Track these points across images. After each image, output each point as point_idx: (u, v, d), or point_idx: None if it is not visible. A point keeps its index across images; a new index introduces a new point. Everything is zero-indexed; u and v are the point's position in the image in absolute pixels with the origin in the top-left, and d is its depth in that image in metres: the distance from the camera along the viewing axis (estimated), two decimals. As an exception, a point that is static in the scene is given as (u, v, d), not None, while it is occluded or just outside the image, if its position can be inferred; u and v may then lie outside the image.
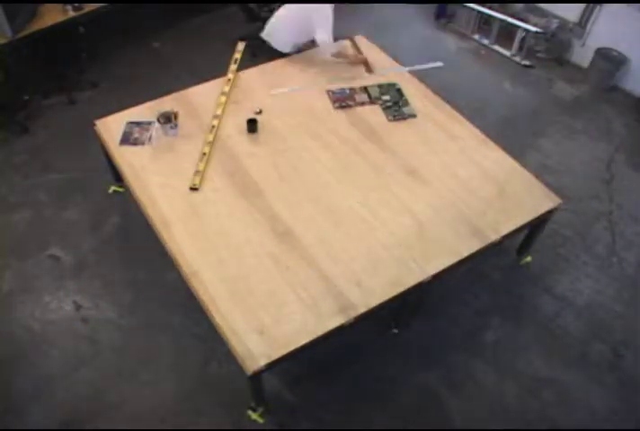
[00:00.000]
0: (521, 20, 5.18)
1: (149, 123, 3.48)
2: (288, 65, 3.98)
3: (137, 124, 3.50)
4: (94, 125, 3.54)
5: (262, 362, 2.53)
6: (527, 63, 5.21)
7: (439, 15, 5.66)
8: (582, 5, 4.87)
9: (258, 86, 3.80)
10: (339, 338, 2.79)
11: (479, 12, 5.32)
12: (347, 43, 4.13)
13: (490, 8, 5.28)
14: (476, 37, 5.48)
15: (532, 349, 3.32)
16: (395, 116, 3.64)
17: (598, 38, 4.90)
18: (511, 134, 4.37)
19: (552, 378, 3.21)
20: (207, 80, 3.82)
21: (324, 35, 3.75)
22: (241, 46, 4.07)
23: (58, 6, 4.31)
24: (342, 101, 3.72)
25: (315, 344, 2.65)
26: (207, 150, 3.35)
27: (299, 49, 4.06)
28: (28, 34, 4.14)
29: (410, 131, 3.56)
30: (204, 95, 3.69)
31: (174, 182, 3.21)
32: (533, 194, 3.26)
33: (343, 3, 5.70)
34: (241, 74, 3.88)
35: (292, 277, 2.82)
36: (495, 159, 3.42)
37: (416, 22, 5.66)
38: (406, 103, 3.71)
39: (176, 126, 3.44)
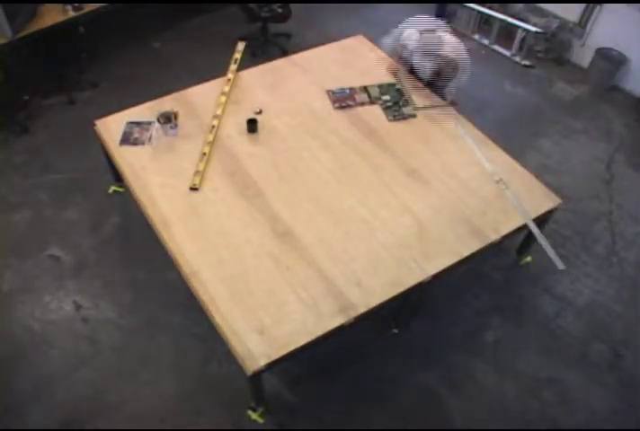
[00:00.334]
0: (521, 20, 5.18)
1: (149, 123, 3.48)
2: (288, 65, 3.98)
3: (137, 124, 3.50)
4: (94, 125, 3.53)
5: (262, 362, 2.53)
6: (527, 63, 5.21)
7: (439, 15, 5.64)
8: (582, 5, 4.88)
9: (258, 86, 3.79)
10: (339, 338, 2.79)
11: (479, 12, 5.32)
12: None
13: (490, 8, 5.29)
14: (476, 37, 5.49)
15: (532, 349, 3.32)
16: (395, 116, 3.64)
17: (598, 38, 4.91)
18: (511, 134, 4.37)
19: (552, 378, 3.21)
20: (207, 80, 3.81)
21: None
22: (241, 46, 4.07)
23: (58, 6, 4.32)
24: (342, 101, 3.72)
25: (315, 344, 2.65)
26: (207, 150, 3.35)
27: None
28: (28, 34, 4.14)
29: (410, 131, 3.56)
30: (204, 95, 3.69)
31: (174, 182, 3.20)
32: (533, 194, 3.26)
33: (345, 3, 5.73)
34: (241, 74, 3.87)
35: (292, 276, 2.82)
36: (495, 159, 3.42)
37: (416, 22, 5.66)
38: (406, 103, 3.71)
39: (176, 126, 3.44)
